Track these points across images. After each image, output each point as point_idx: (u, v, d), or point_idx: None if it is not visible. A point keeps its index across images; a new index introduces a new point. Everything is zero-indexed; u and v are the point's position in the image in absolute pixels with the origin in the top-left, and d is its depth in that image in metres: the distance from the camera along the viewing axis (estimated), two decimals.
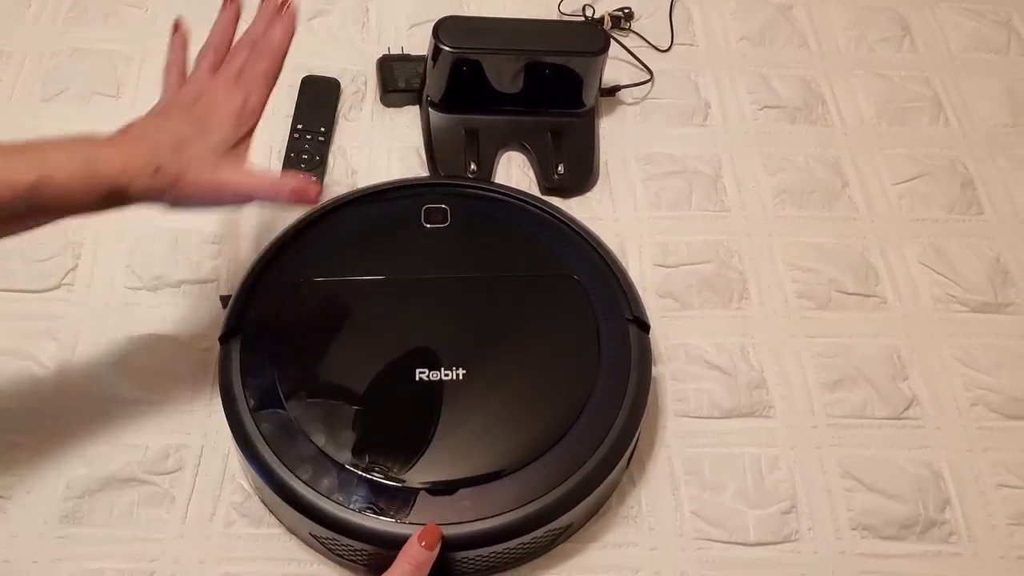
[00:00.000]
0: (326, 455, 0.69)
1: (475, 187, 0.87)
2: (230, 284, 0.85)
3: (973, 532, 0.76)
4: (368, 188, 0.86)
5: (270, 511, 0.74)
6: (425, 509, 0.67)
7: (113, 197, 0.61)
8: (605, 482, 0.71)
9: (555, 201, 0.89)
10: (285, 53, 0.70)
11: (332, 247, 0.81)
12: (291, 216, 0.83)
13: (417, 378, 0.73)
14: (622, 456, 0.72)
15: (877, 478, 0.78)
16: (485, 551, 0.67)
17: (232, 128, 0.66)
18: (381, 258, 0.80)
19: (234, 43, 0.71)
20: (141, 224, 0.88)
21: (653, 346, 0.78)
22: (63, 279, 0.85)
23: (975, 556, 0.75)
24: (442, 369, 0.73)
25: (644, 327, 0.78)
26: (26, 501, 0.73)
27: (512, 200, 0.86)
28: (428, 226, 0.82)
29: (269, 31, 0.70)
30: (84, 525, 0.72)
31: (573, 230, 0.83)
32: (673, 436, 0.79)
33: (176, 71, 0.70)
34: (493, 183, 0.91)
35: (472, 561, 0.69)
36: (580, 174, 0.95)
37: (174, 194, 0.63)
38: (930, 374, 0.84)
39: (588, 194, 0.94)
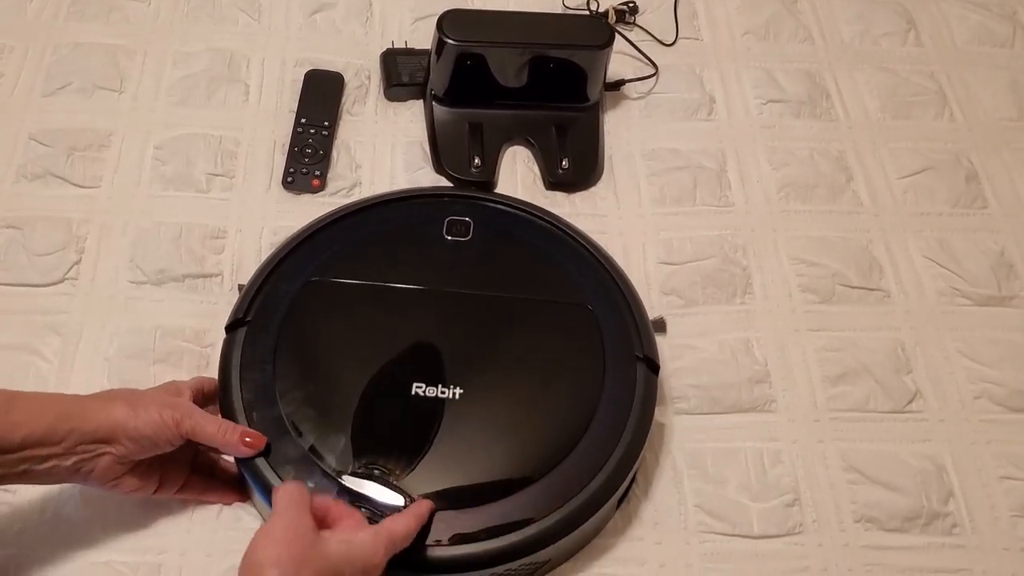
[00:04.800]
0: (311, 458, 0.68)
1: (501, 203, 0.86)
2: (234, 279, 0.85)
3: (976, 524, 0.76)
4: (393, 193, 0.85)
5: (256, 509, 0.73)
6: None
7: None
8: (590, 522, 0.69)
9: (560, 196, 0.88)
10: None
11: (349, 249, 0.80)
12: (312, 214, 0.83)
13: (413, 392, 0.72)
14: (610, 498, 0.70)
15: (880, 471, 0.78)
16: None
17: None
18: (397, 266, 0.79)
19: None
20: (145, 219, 0.88)
21: (658, 347, 0.77)
22: (67, 273, 0.85)
23: (978, 548, 0.75)
24: (439, 386, 0.72)
25: (654, 368, 0.75)
26: (32, 495, 0.73)
27: (537, 220, 0.84)
28: (449, 238, 0.81)
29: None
30: (91, 518, 0.72)
31: (596, 258, 0.81)
32: (676, 431, 0.79)
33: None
34: (520, 200, 0.87)
35: None
36: (584, 169, 0.95)
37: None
38: (934, 368, 0.84)
39: (592, 189, 0.94)
